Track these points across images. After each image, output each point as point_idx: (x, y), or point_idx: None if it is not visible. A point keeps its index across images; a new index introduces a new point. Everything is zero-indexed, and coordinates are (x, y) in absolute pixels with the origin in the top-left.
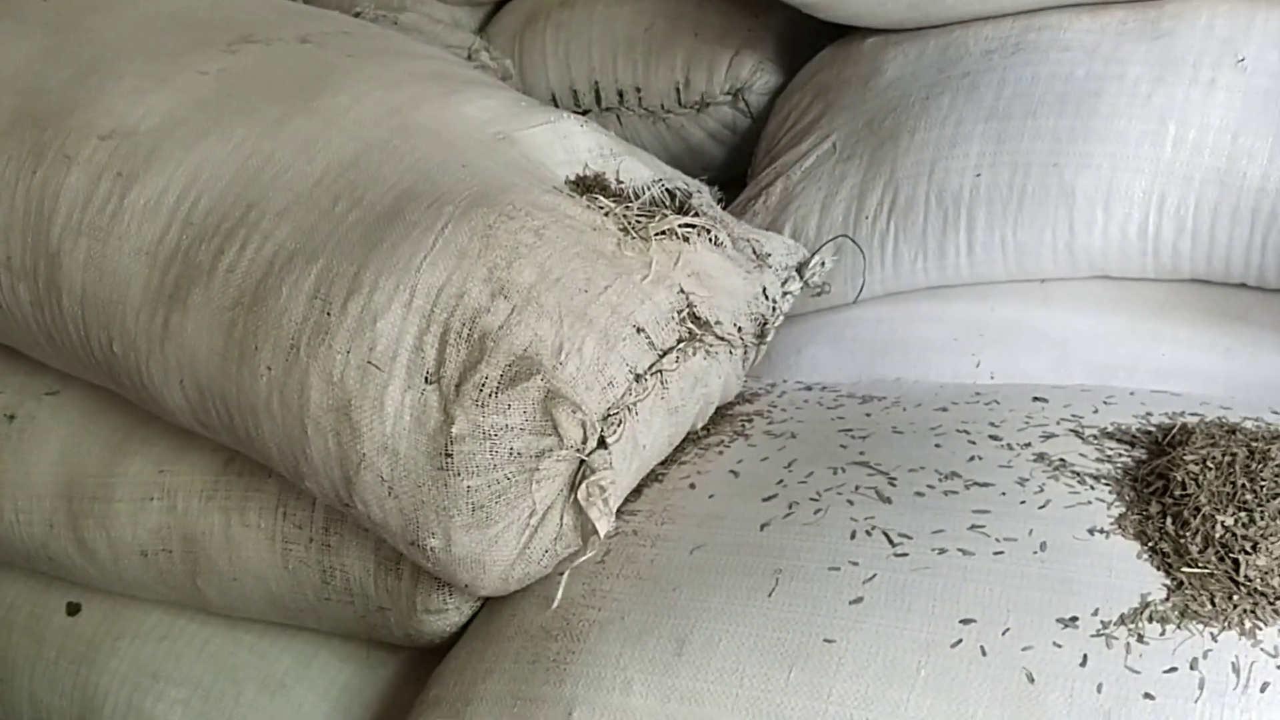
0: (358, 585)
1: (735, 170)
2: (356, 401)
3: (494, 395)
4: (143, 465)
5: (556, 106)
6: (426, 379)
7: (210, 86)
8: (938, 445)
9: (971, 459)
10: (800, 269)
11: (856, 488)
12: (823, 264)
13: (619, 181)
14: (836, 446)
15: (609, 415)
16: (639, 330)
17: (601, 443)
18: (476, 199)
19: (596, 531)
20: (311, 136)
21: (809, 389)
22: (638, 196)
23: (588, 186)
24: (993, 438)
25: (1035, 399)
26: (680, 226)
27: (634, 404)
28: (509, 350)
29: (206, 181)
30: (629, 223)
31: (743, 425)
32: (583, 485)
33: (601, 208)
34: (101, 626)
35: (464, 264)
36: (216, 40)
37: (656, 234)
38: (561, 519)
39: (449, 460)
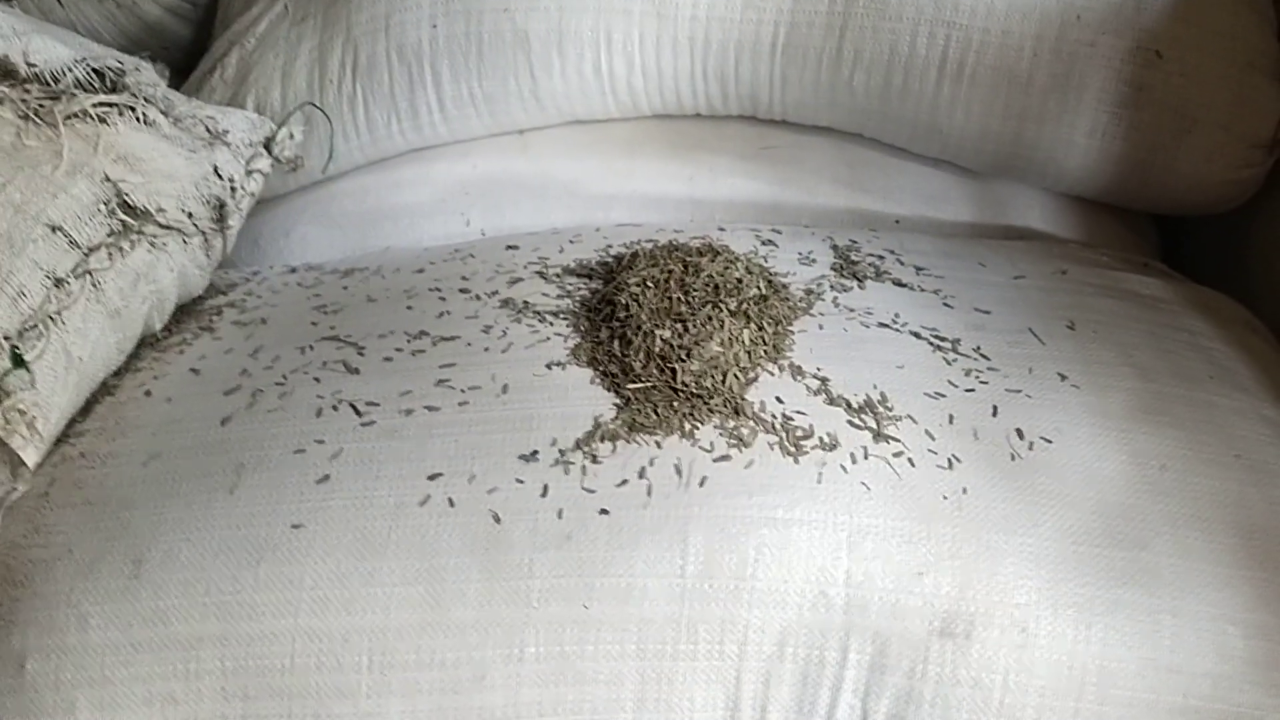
0: None
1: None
2: None
3: None
4: None
5: None
6: None
7: None
8: (409, 307)
9: (441, 315)
10: (269, 144)
11: (325, 363)
12: (291, 136)
13: (29, 64)
14: (307, 325)
15: (25, 330)
16: (55, 229)
17: (18, 361)
18: None
19: (25, 463)
20: None
21: (293, 271)
22: (57, 80)
23: None
24: (463, 291)
25: (508, 247)
26: (95, 107)
27: (58, 313)
28: None
29: None
30: (30, 109)
31: (210, 319)
32: None
33: None
34: None
35: None
36: None
37: (66, 118)
38: None
39: None
